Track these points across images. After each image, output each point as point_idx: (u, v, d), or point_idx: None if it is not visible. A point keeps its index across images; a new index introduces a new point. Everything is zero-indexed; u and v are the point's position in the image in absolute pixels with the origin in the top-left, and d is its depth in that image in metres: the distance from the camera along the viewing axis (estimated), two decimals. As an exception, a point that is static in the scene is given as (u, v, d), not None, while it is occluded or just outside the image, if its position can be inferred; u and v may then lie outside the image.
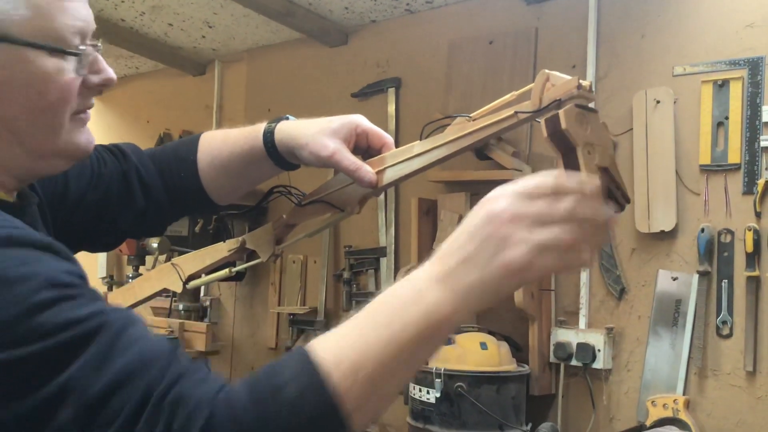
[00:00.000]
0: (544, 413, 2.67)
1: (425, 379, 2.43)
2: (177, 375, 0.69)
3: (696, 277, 2.40)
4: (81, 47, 0.85)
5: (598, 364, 2.54)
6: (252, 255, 1.32)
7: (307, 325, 3.42)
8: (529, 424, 2.48)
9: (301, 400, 0.69)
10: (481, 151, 2.83)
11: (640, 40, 2.61)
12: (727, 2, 2.44)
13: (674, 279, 2.45)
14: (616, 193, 0.93)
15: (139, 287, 1.45)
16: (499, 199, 0.78)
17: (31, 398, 0.65)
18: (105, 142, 4.55)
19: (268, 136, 1.18)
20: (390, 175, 1.16)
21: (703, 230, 2.38)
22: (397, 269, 3.16)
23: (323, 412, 0.69)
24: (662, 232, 2.46)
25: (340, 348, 0.73)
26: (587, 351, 2.54)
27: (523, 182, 0.79)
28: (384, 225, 3.28)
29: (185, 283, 1.35)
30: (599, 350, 2.53)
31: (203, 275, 1.36)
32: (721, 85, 2.39)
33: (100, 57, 0.91)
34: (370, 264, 3.31)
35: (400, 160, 1.16)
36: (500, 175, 2.81)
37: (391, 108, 3.30)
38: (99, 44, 0.90)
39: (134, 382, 0.67)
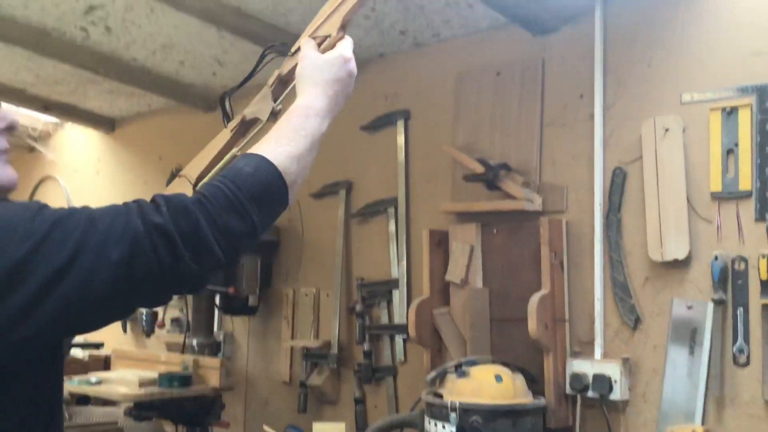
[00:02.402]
0: (562, 446, 2.64)
1: (440, 412, 2.41)
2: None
3: (711, 305, 2.38)
4: None
5: (615, 396, 2.51)
6: (250, 128, 1.40)
7: (320, 358, 3.41)
8: (547, 458, 2.45)
9: (257, 171, 1.09)
10: (491, 182, 2.84)
11: (647, 69, 2.62)
12: (733, 30, 2.44)
13: (689, 307, 2.44)
14: None
15: None
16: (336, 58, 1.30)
17: (60, 254, 0.94)
18: (119, 177, 4.64)
19: None
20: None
21: (716, 258, 2.36)
22: (409, 301, 3.16)
23: (271, 174, 1.10)
24: (675, 260, 2.45)
25: (264, 144, 1.15)
26: (604, 382, 2.52)
27: (341, 52, 1.30)
28: (396, 257, 3.28)
29: (195, 185, 1.38)
30: (616, 381, 2.51)
31: (210, 171, 1.40)
32: (730, 113, 2.39)
33: (1, 106, 1.17)
34: (383, 296, 3.31)
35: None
36: (511, 206, 2.81)
37: (401, 139, 3.32)
38: None
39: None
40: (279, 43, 1.41)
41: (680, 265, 2.46)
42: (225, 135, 1.38)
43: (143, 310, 3.31)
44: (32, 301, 0.93)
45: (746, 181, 2.35)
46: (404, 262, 3.25)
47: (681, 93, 2.52)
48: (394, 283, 3.27)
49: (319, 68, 1.26)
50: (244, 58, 3.51)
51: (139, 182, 4.38)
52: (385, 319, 3.30)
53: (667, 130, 2.50)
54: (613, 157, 2.66)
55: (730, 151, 2.39)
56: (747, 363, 2.32)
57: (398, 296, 3.25)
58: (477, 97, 3.07)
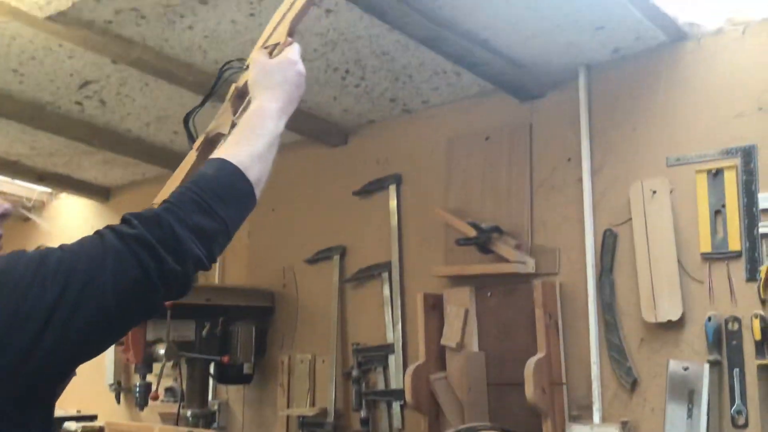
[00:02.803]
0: None
1: (439, 483, 2.38)
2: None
3: (707, 366, 2.38)
4: None
5: (615, 460, 2.48)
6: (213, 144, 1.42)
7: (317, 426, 3.36)
8: None
9: (219, 171, 1.14)
10: (483, 245, 2.86)
11: (632, 133, 2.67)
12: (715, 93, 2.51)
13: (685, 369, 2.43)
14: None
15: None
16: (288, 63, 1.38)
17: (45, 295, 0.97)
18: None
19: None
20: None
21: (710, 319, 2.37)
22: (405, 365, 3.14)
23: (233, 174, 1.15)
24: (669, 321, 2.46)
25: (224, 148, 1.21)
26: (603, 447, 2.49)
27: (288, 55, 1.38)
28: (391, 321, 3.27)
29: None
30: (615, 445, 2.48)
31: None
32: (716, 174, 2.43)
33: None
34: (379, 361, 3.29)
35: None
36: (504, 268, 2.83)
37: (393, 204, 3.35)
38: None
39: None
40: (236, 59, 1.47)
41: (674, 326, 2.47)
42: (192, 156, 1.43)
43: (137, 382, 3.28)
44: (35, 339, 0.95)
45: (735, 241, 2.38)
46: (399, 327, 3.24)
47: (666, 156, 2.57)
48: (389, 348, 3.26)
49: (270, 72, 1.33)
50: (237, 127, 3.57)
51: (133, 250, 4.38)
52: (381, 385, 3.27)
53: (654, 192, 2.54)
54: (603, 219, 2.69)
55: (717, 212, 2.43)
56: (746, 424, 2.30)
57: (394, 361, 3.24)
58: (467, 161, 3.12)
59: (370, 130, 3.50)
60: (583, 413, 2.63)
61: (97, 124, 3.55)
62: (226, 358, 3.38)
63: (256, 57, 1.39)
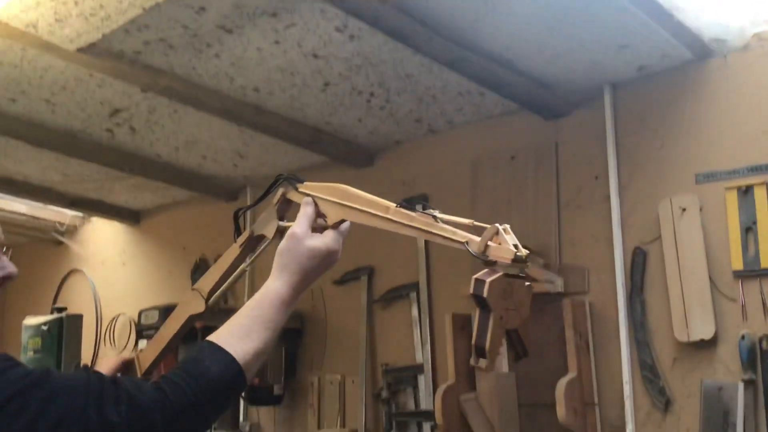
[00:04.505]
0: None
1: (471, 506, 2.36)
2: (110, 380, 1.06)
3: (741, 385, 2.34)
4: None
5: (650, 482, 2.45)
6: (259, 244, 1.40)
7: (348, 448, 3.36)
8: None
9: (223, 373, 1.09)
10: (511, 265, 2.84)
11: (659, 150, 2.66)
12: (743, 109, 2.49)
13: (720, 389, 2.40)
14: (517, 347, 1.16)
15: (164, 330, 1.49)
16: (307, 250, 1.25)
17: (17, 425, 0.96)
18: (144, 268, 4.66)
19: None
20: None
21: (743, 337, 2.34)
22: (435, 386, 3.13)
23: (236, 377, 1.10)
24: (702, 340, 2.43)
25: (230, 333, 1.15)
26: (637, 468, 2.46)
27: (329, 245, 1.25)
28: (420, 342, 3.27)
29: (207, 300, 1.41)
30: (650, 467, 2.45)
31: (222, 286, 1.42)
32: (746, 191, 2.41)
33: (5, 258, 1.21)
34: (408, 382, 3.29)
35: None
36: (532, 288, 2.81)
37: (420, 224, 3.35)
38: (4, 249, 1.21)
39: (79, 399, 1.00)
40: (291, 175, 1.39)
41: (707, 345, 2.44)
42: (234, 250, 1.42)
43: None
44: None
45: (767, 258, 2.35)
46: (428, 347, 3.23)
47: (695, 172, 2.55)
48: (419, 368, 3.25)
49: (301, 256, 1.22)
50: (264, 150, 3.61)
51: (164, 272, 4.44)
52: (411, 405, 3.26)
53: (684, 209, 2.52)
54: (633, 238, 2.67)
55: (749, 229, 2.40)
56: (784, 445, 2.26)
57: (424, 381, 3.23)
58: (493, 180, 3.12)
59: (395, 151, 3.51)
60: (616, 434, 2.60)
61: (127, 150, 3.61)
62: (256, 380, 3.40)
63: (297, 224, 1.26)
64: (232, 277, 1.42)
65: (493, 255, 1.10)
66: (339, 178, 3.85)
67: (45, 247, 5.10)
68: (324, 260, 1.24)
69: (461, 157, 3.25)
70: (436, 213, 1.21)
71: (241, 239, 1.42)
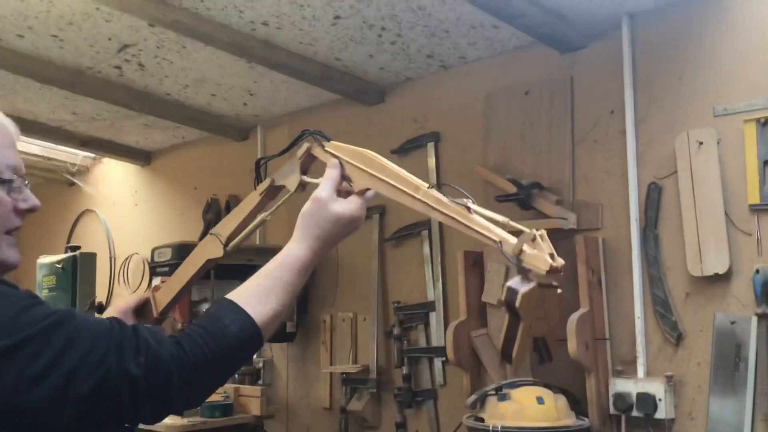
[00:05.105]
0: (608, 467, 2.60)
1: (482, 437, 2.39)
2: (131, 329, 1.05)
3: (755, 319, 2.34)
4: (11, 178, 1.12)
5: (660, 414, 2.47)
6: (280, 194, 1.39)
7: (360, 383, 3.41)
8: (593, 480, 2.41)
9: (241, 332, 1.09)
10: (524, 201, 2.83)
11: (677, 82, 2.60)
12: (763, 41, 2.42)
13: (732, 323, 2.39)
14: (542, 351, 1.21)
15: (182, 271, 1.49)
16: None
17: (37, 365, 0.95)
18: (156, 208, 4.68)
19: None
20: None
21: (758, 271, 2.32)
22: (446, 323, 3.15)
23: (253, 337, 1.11)
24: (716, 274, 2.41)
25: (250, 293, 1.15)
26: (648, 401, 2.48)
27: (354, 211, 1.23)
28: (431, 279, 3.28)
29: (225, 245, 1.41)
30: (660, 399, 2.47)
31: (241, 232, 1.42)
32: (764, 124, 2.36)
33: (27, 190, 1.17)
34: (420, 319, 3.31)
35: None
36: (545, 224, 2.79)
37: (432, 162, 3.33)
38: (26, 181, 1.17)
39: (100, 346, 1.00)
40: (318, 131, 1.34)
41: (721, 280, 2.43)
42: (254, 198, 1.41)
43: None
44: None
45: (785, 191, 2.31)
46: (440, 284, 3.24)
47: (713, 105, 2.49)
48: (430, 306, 3.27)
49: (325, 221, 1.21)
50: (274, 87, 3.57)
51: (175, 213, 4.45)
52: (422, 342, 3.29)
53: (701, 143, 2.48)
54: (648, 172, 2.63)
55: (766, 162, 2.36)
56: (795, 378, 2.26)
57: (435, 318, 3.25)
58: (506, 116, 3.07)
59: (407, 87, 3.46)
60: (626, 368, 2.61)
61: (136, 88, 3.58)
62: (269, 317, 3.42)
63: (322, 187, 1.24)
64: (252, 225, 1.41)
65: (528, 262, 1.08)
66: (350, 115, 3.85)
67: (58, 188, 5.12)
68: (347, 226, 1.22)
69: (474, 94, 3.20)
70: (470, 203, 1.17)
71: (262, 187, 1.41)
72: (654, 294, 2.57)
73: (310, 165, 1.36)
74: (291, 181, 1.36)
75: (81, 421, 0.99)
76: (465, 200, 1.18)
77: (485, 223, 1.16)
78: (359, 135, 3.60)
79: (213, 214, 4.18)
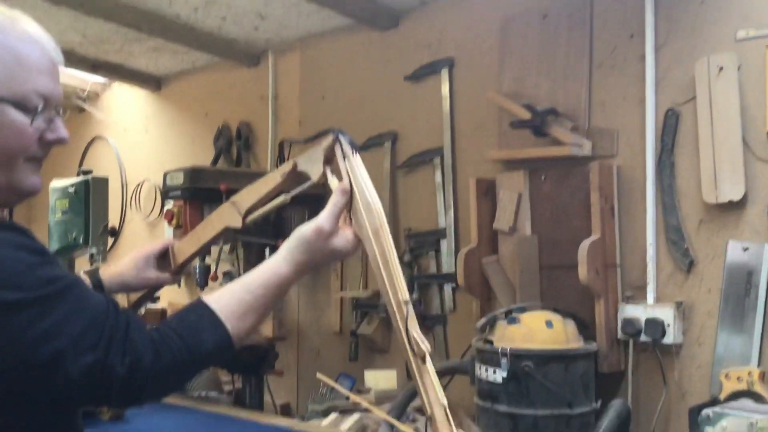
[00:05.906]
0: (614, 390, 2.64)
1: (491, 358, 2.43)
2: (124, 321, 1.05)
3: (767, 247, 2.33)
4: (40, 107, 1.07)
5: (668, 340, 2.50)
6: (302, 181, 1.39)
7: (370, 308, 3.45)
8: (599, 402, 2.46)
9: (215, 348, 1.12)
10: (538, 128, 2.80)
11: (699, 6, 2.53)
12: (793, -40, 2.34)
13: (745, 249, 2.39)
14: None
15: (201, 231, 1.54)
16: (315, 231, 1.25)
17: (32, 331, 0.96)
18: (167, 135, 4.67)
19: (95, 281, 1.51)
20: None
21: (773, 199, 2.30)
22: (457, 250, 3.16)
23: (225, 351, 1.13)
24: (731, 202, 2.40)
25: (231, 308, 1.15)
26: (656, 326, 2.50)
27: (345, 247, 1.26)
28: (443, 206, 3.28)
29: (244, 217, 1.43)
30: (669, 325, 2.49)
31: (260, 208, 1.44)
32: (789, 48, 2.30)
33: (58, 121, 1.13)
34: (431, 246, 3.32)
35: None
36: (559, 151, 2.78)
37: (445, 89, 3.28)
38: (60, 113, 1.14)
39: (100, 322, 1.02)
40: (345, 134, 1.32)
41: (735, 207, 2.41)
42: (276, 177, 1.41)
43: (196, 265, 3.38)
44: None
45: (806, 118, 2.28)
46: (451, 212, 3.24)
47: (736, 30, 2.44)
48: (441, 233, 3.28)
49: (321, 253, 1.24)
50: (285, 10, 3.50)
51: (186, 139, 4.44)
52: (433, 269, 3.31)
53: (721, 68, 2.43)
54: (666, 98, 2.59)
55: (788, 88, 2.31)
56: (805, 305, 2.27)
57: (446, 246, 3.26)
58: (523, 42, 3.01)
59: (421, 11, 3.39)
60: (636, 294, 2.63)
61: (146, 10, 3.52)
62: (280, 242, 3.43)
63: (326, 228, 1.24)
64: (271, 204, 1.42)
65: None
66: (363, 41, 3.78)
67: (68, 114, 5.09)
68: (336, 259, 1.28)
69: (490, 18, 3.13)
70: None
71: (284, 168, 1.40)
72: (667, 221, 2.57)
73: (333, 157, 1.34)
74: (314, 170, 1.35)
75: (55, 402, 1.03)
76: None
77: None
78: (372, 61, 3.55)
79: (224, 140, 4.16)
